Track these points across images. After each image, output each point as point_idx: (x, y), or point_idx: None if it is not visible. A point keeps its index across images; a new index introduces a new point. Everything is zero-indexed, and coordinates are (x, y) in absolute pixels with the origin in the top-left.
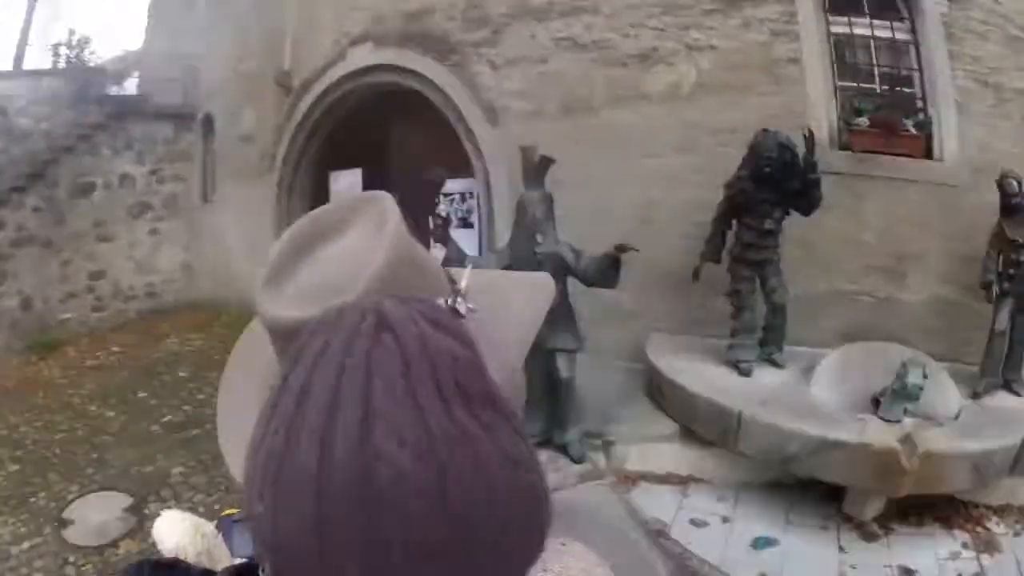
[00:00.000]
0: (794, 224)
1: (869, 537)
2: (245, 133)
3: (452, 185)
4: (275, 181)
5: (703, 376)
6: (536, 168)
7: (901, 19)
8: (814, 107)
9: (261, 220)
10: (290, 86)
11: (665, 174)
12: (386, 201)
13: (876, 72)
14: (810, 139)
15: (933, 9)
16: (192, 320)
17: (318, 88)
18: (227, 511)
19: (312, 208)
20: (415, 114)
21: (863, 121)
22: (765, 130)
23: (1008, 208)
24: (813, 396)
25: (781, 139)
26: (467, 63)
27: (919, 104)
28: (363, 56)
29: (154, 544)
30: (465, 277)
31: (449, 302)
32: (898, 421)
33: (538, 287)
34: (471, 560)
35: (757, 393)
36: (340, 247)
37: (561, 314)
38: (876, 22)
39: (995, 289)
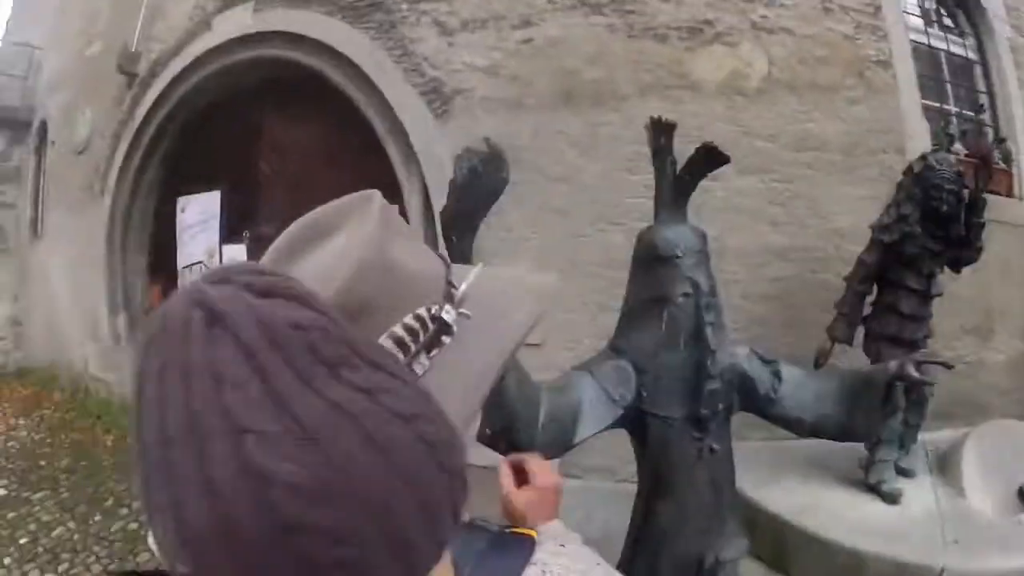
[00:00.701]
0: None
1: None
2: (81, 142)
3: None
4: (106, 208)
5: (844, 516)
6: (688, 172)
7: (962, 34)
8: (911, 124)
9: (90, 262)
10: (136, 73)
11: (723, 204)
12: (372, 203)
13: (949, 91)
14: (984, 171)
15: (1002, 30)
16: (21, 398)
17: (169, 73)
18: None
19: (151, 246)
20: (306, 107)
21: (959, 148)
22: (936, 148)
23: None
24: (975, 510)
25: (955, 166)
26: (400, 25)
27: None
28: (237, 24)
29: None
30: (467, 281)
31: (432, 311)
32: None
33: (542, 290)
34: (396, 526)
35: (927, 528)
36: (324, 253)
37: (722, 500)
38: (951, 37)
39: None
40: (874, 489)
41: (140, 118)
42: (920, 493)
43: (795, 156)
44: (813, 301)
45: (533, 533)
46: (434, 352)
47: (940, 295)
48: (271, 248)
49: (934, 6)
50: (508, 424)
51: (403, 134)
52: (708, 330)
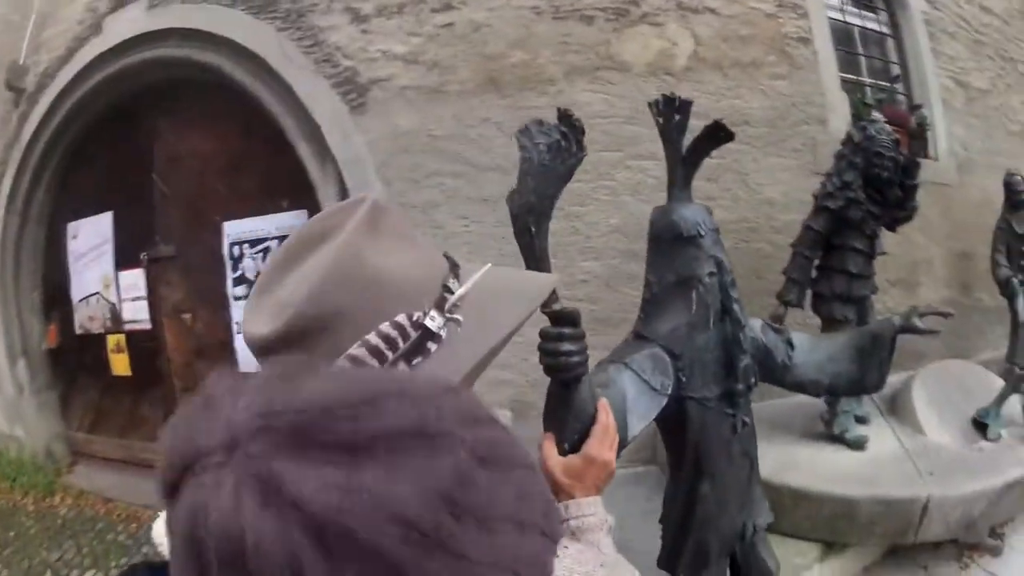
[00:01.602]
0: None
1: (995, 551)
2: None
3: (263, 225)
4: None
5: (822, 469)
6: (694, 150)
7: (875, 10)
8: (831, 97)
9: None
10: (23, 88)
11: (657, 183)
12: (359, 207)
13: (863, 64)
14: (921, 132)
15: (917, 3)
16: None
17: (57, 85)
18: None
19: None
20: (205, 111)
21: (879, 116)
22: (872, 119)
23: (1015, 204)
24: (937, 444)
25: (892, 134)
26: (309, 14)
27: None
28: (130, 23)
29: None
30: (468, 283)
31: (415, 318)
32: (998, 438)
33: (541, 288)
34: None
35: (900, 466)
36: (307, 265)
37: (753, 470)
38: (864, 12)
39: (1014, 282)
40: (839, 439)
41: (28, 137)
42: (880, 437)
43: None
44: (748, 269)
45: None
46: (417, 360)
47: (884, 254)
48: (269, 259)
49: None
50: (584, 436)
51: (315, 131)
52: (736, 306)
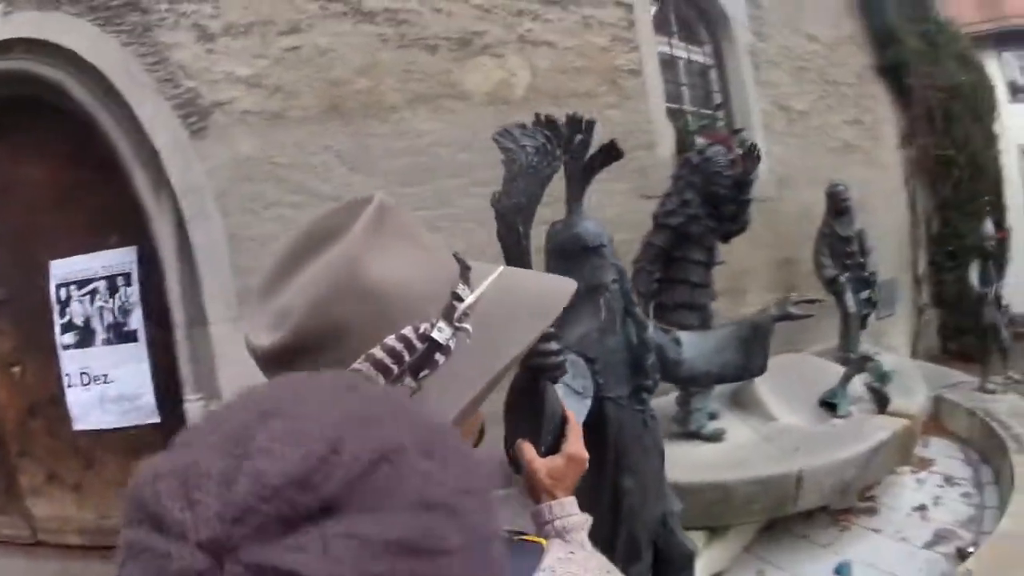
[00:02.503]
0: None
1: (871, 511)
2: None
3: (90, 263)
4: None
5: (691, 462)
6: (590, 168)
7: (700, 43)
8: (657, 125)
9: None
10: None
11: None
12: (364, 209)
13: (686, 94)
14: (754, 153)
15: (743, 36)
16: None
17: None
18: None
19: None
20: (38, 134)
21: (701, 141)
22: (710, 143)
23: (839, 211)
24: (793, 426)
25: (728, 155)
26: (157, 29)
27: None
28: None
29: None
30: (478, 290)
31: (421, 329)
32: (849, 415)
33: (558, 295)
34: None
35: (763, 449)
36: (309, 273)
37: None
38: (690, 46)
39: (840, 280)
40: (696, 435)
41: None
42: (735, 428)
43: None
44: None
45: (542, 541)
46: (424, 373)
47: (723, 263)
48: (272, 261)
49: (674, 18)
50: (555, 437)
51: (154, 157)
52: (637, 309)
